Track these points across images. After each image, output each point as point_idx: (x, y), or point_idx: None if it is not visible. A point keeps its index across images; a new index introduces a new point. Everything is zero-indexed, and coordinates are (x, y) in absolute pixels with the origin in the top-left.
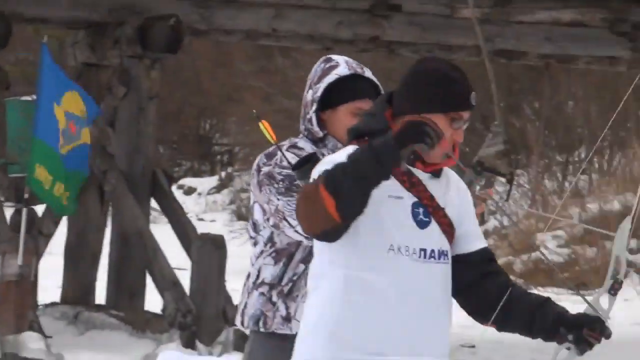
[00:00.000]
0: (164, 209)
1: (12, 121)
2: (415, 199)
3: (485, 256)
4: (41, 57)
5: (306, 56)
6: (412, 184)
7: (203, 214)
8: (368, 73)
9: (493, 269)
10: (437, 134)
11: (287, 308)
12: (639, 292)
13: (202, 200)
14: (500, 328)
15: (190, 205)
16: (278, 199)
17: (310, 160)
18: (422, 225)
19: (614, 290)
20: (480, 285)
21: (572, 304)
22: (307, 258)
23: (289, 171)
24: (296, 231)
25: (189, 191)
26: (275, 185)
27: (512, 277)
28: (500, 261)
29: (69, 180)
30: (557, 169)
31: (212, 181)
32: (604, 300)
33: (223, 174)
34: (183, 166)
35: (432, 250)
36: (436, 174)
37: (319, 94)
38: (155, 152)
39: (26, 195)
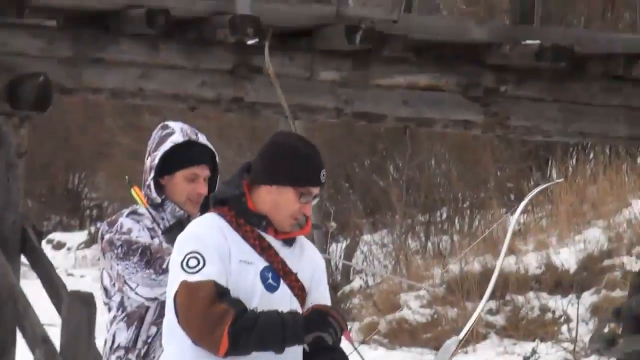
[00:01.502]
0: (34, 265)
1: None
2: (266, 264)
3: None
4: None
5: (174, 114)
6: (263, 249)
7: (73, 269)
8: (202, 139)
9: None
10: (340, 326)
11: None
12: (498, 353)
13: (71, 255)
14: None
15: (59, 260)
16: (117, 264)
17: (178, 226)
18: (271, 289)
19: None
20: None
21: None
22: (158, 320)
23: (128, 236)
24: (137, 293)
25: (59, 246)
26: (115, 251)
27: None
28: (365, 321)
29: None
30: (420, 228)
31: (81, 236)
32: None
33: (92, 228)
34: (52, 220)
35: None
36: (289, 241)
37: (156, 161)
38: (24, 207)
39: None
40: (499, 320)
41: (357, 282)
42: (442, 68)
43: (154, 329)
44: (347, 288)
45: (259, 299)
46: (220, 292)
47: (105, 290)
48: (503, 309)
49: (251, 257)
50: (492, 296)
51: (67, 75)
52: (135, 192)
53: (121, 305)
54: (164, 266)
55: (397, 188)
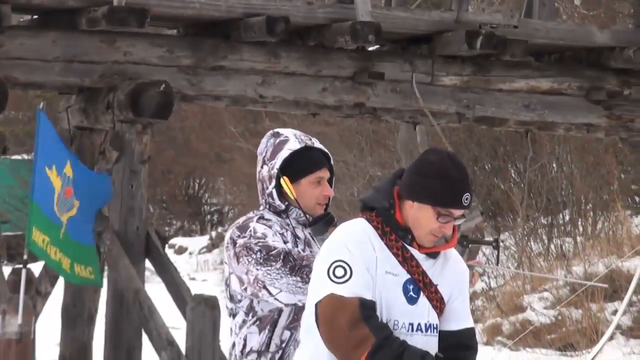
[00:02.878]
0: (158, 269)
1: (1, 179)
2: (408, 276)
3: (463, 341)
4: (37, 123)
5: (294, 119)
6: (405, 259)
7: (195, 274)
8: (317, 143)
9: (464, 357)
10: None
11: None
12: (625, 353)
13: (193, 260)
14: None
15: (181, 264)
16: (257, 269)
17: (324, 218)
18: (412, 301)
19: None
20: None
21: None
22: (292, 325)
23: (264, 241)
24: (276, 299)
25: (180, 250)
26: (254, 256)
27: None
28: (488, 322)
29: (78, 251)
30: (543, 231)
31: (202, 241)
32: None
33: (213, 234)
34: (173, 225)
35: (419, 324)
36: (432, 254)
37: (275, 170)
38: (147, 213)
39: (25, 256)
40: (625, 320)
41: (479, 285)
42: (564, 72)
43: (287, 334)
44: (469, 290)
45: (400, 310)
46: (365, 311)
47: (231, 295)
48: (629, 310)
49: (396, 268)
50: (618, 297)
51: (187, 83)
52: (285, 182)
53: (251, 309)
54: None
55: (519, 191)
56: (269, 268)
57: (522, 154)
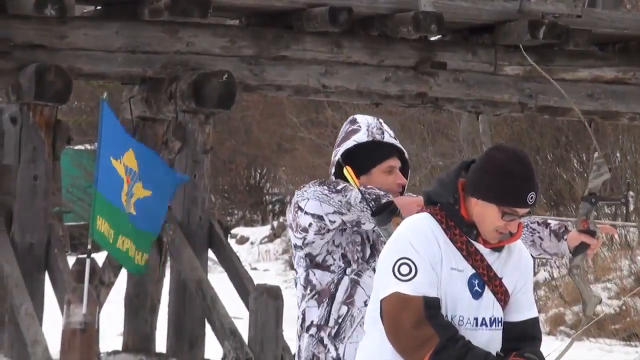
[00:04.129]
0: (221, 259)
1: (64, 169)
2: (473, 271)
3: (527, 330)
4: (101, 112)
5: (356, 109)
6: (469, 253)
7: (256, 264)
8: (388, 137)
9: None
10: None
11: (336, 349)
12: None
13: (254, 250)
14: None
15: (243, 254)
16: (294, 197)
17: (387, 208)
18: (477, 296)
19: None
20: None
21: (625, 355)
22: (348, 300)
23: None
24: (306, 212)
25: (242, 240)
26: (296, 193)
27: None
28: (551, 312)
29: (139, 239)
30: (606, 220)
31: (264, 230)
32: None
33: (275, 223)
34: (235, 215)
35: (483, 319)
36: (497, 248)
37: (337, 157)
38: (209, 203)
39: (89, 246)
40: None
41: (542, 274)
42: (628, 61)
43: (344, 309)
44: (532, 279)
45: (465, 305)
46: (429, 310)
47: (293, 261)
48: None
49: (461, 264)
50: None
51: (250, 73)
52: (347, 171)
53: (308, 283)
54: (339, 187)
55: (582, 180)
56: (302, 190)
57: (584, 144)
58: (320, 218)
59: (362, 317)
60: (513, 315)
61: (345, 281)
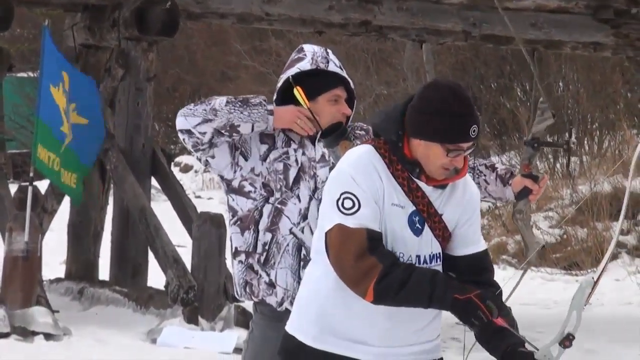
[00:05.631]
0: (164, 187)
1: (7, 97)
2: (413, 208)
3: (475, 263)
4: (42, 40)
5: (300, 37)
6: (411, 189)
7: (200, 192)
8: (332, 66)
9: (482, 280)
10: (486, 316)
11: (268, 275)
12: (630, 272)
13: (198, 178)
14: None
15: (187, 182)
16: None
17: (336, 130)
18: (417, 233)
19: (564, 345)
20: None
21: (565, 283)
22: (272, 227)
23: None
24: (180, 131)
25: (186, 169)
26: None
27: (505, 257)
28: (493, 241)
29: (76, 166)
30: (549, 150)
31: None
32: (554, 348)
33: None
34: (179, 144)
35: (425, 256)
36: (440, 186)
37: (279, 84)
38: (152, 130)
39: (31, 174)
40: (630, 240)
41: (485, 204)
42: None
43: (269, 235)
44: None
45: (406, 242)
46: (372, 242)
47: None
48: (634, 229)
49: (402, 200)
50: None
51: (193, 1)
52: (297, 91)
53: (230, 208)
54: (203, 100)
55: (525, 109)
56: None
57: (528, 73)
58: (189, 132)
59: (287, 244)
60: (460, 250)
61: (268, 208)
